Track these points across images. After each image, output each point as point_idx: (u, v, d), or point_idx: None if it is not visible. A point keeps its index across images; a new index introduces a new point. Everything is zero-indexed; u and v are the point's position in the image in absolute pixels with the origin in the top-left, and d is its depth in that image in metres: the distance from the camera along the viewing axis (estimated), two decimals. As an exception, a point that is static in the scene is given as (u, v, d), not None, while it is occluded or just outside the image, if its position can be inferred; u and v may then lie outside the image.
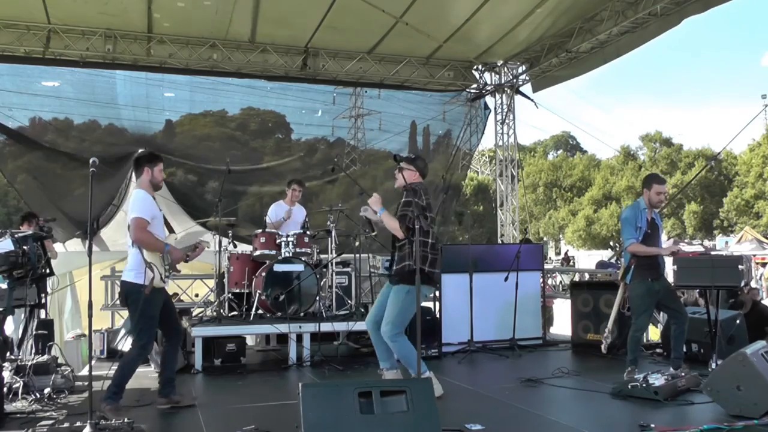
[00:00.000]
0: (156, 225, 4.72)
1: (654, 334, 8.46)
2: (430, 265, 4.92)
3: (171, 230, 4.97)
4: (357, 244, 7.52)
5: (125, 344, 6.95)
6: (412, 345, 4.82)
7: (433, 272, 4.97)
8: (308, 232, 7.49)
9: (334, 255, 7.49)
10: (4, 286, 5.23)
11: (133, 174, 9.80)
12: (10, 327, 6.35)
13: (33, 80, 9.72)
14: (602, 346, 6.16)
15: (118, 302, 8.54)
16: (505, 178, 12.15)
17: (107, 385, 4.57)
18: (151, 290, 4.48)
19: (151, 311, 4.64)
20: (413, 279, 4.50)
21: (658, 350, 7.18)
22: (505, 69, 11.74)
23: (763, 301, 8.80)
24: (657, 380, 4.92)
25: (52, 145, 9.90)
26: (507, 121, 11.98)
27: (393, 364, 4.96)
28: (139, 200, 4.70)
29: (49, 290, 7.30)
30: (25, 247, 5.22)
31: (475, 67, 11.67)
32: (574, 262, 29.79)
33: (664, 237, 6.05)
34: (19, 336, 5.92)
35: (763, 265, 18.66)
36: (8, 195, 9.69)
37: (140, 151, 4.93)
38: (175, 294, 8.42)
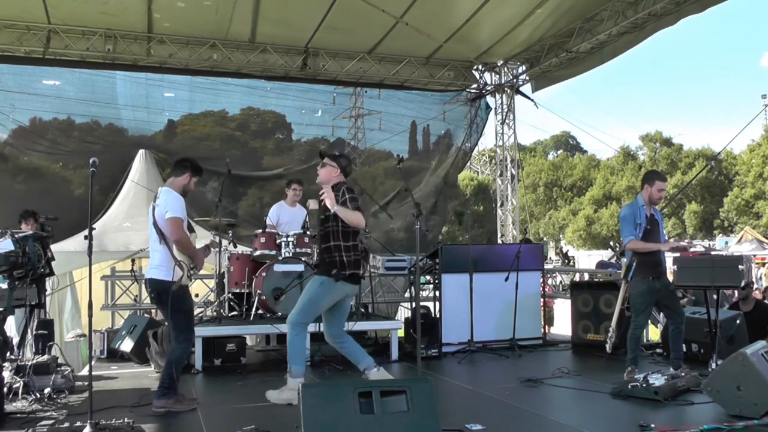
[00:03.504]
0: (183, 225, 4.80)
1: (654, 334, 8.47)
2: (354, 266, 4.88)
3: (191, 230, 5.02)
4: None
5: (125, 344, 6.96)
6: (303, 346, 4.90)
7: (355, 273, 4.91)
8: (308, 232, 7.49)
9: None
10: (4, 286, 5.23)
11: (128, 168, 9.92)
12: (12, 327, 6.36)
13: (33, 80, 9.73)
14: (607, 346, 6.14)
15: (118, 302, 8.57)
16: (505, 178, 12.15)
17: (156, 386, 4.78)
18: (180, 287, 4.65)
19: (186, 305, 4.81)
20: (330, 271, 4.76)
21: (658, 350, 7.18)
22: (505, 69, 11.74)
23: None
24: (657, 380, 4.92)
25: (53, 144, 9.91)
26: (507, 121, 11.98)
27: (369, 362, 4.94)
28: (175, 200, 4.75)
29: (48, 290, 7.30)
30: (25, 247, 5.21)
31: (475, 67, 11.67)
32: (574, 262, 29.76)
33: (664, 238, 6.03)
34: (19, 336, 5.92)
35: (763, 265, 18.66)
36: (8, 195, 9.65)
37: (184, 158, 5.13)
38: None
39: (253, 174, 11.11)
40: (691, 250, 5.96)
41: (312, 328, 6.65)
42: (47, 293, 6.75)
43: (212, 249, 5.15)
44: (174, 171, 4.97)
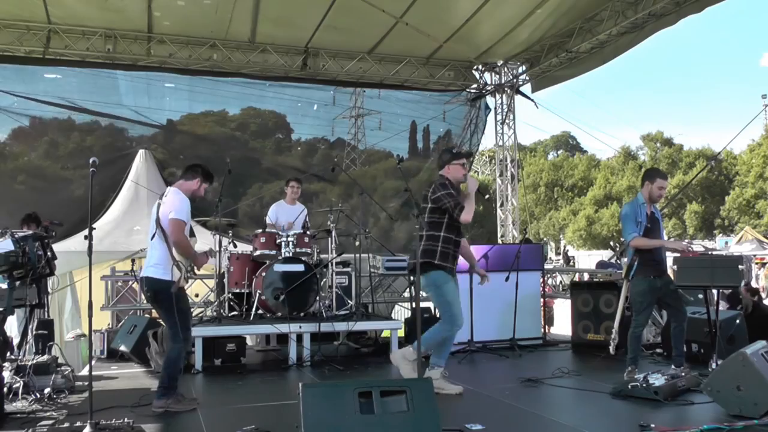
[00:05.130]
0: (186, 228, 4.80)
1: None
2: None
3: (191, 234, 5.03)
4: (357, 244, 7.52)
5: (124, 344, 6.95)
6: (441, 334, 5.11)
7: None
8: (308, 232, 7.49)
9: (334, 255, 7.49)
10: (4, 286, 5.22)
11: (128, 168, 9.91)
12: (14, 327, 6.36)
13: (34, 80, 9.72)
14: (610, 348, 6.13)
15: (117, 302, 8.56)
16: (505, 178, 12.15)
17: (156, 387, 4.81)
18: (178, 287, 4.66)
19: (183, 305, 4.81)
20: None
21: (658, 350, 7.18)
22: (505, 69, 11.74)
23: (764, 301, 8.78)
24: (657, 380, 4.92)
25: (53, 144, 9.91)
26: (507, 121, 11.98)
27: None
28: (181, 201, 4.75)
29: (49, 290, 7.29)
30: (25, 247, 5.21)
31: (475, 67, 11.67)
32: (574, 262, 29.76)
33: (664, 237, 6.03)
34: (19, 336, 5.92)
35: (763, 264, 18.66)
36: (8, 195, 9.67)
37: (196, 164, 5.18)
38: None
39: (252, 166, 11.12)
40: (691, 249, 5.95)
41: (312, 328, 6.69)
42: (48, 293, 6.74)
43: (210, 257, 5.15)
44: (185, 174, 4.97)
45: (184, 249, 4.72)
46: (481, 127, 12.24)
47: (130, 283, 8.38)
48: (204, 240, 7.12)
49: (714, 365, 5.34)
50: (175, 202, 4.73)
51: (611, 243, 34.52)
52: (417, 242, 5.04)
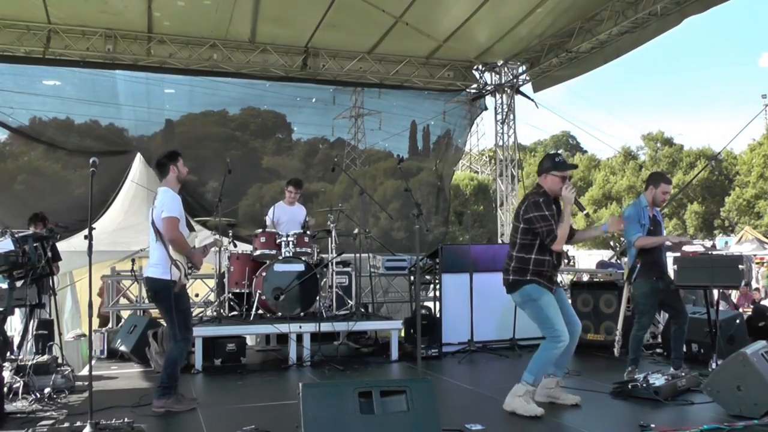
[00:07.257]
0: (181, 224, 4.80)
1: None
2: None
3: (191, 228, 5.01)
4: (357, 243, 7.52)
5: (124, 344, 6.96)
6: (546, 354, 4.69)
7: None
8: (308, 232, 7.49)
9: (334, 255, 7.49)
10: (5, 286, 5.22)
11: (128, 168, 9.90)
12: (18, 326, 6.36)
13: (34, 79, 9.73)
14: (615, 350, 6.12)
15: (119, 302, 8.57)
16: (505, 178, 12.15)
17: (156, 385, 4.82)
18: (180, 286, 4.67)
19: (183, 305, 4.81)
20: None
21: (658, 350, 7.17)
22: (505, 69, 11.75)
23: (763, 302, 8.80)
24: (657, 380, 4.91)
25: (52, 144, 9.92)
26: (507, 121, 11.99)
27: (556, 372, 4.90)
28: (171, 199, 4.76)
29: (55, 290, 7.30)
30: (25, 247, 5.21)
31: (475, 67, 11.68)
32: (574, 262, 29.75)
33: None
34: (20, 336, 5.92)
35: (763, 264, 18.65)
36: (8, 195, 9.68)
37: (165, 152, 4.99)
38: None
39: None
40: (691, 249, 5.95)
41: (312, 328, 6.69)
42: (55, 293, 6.74)
43: (211, 249, 5.13)
44: (161, 173, 4.94)
45: (180, 246, 4.72)
46: (470, 126, 12.32)
47: (131, 283, 8.38)
48: (206, 239, 7.10)
49: (714, 365, 5.34)
50: (165, 201, 4.74)
51: (611, 243, 34.50)
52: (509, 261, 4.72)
